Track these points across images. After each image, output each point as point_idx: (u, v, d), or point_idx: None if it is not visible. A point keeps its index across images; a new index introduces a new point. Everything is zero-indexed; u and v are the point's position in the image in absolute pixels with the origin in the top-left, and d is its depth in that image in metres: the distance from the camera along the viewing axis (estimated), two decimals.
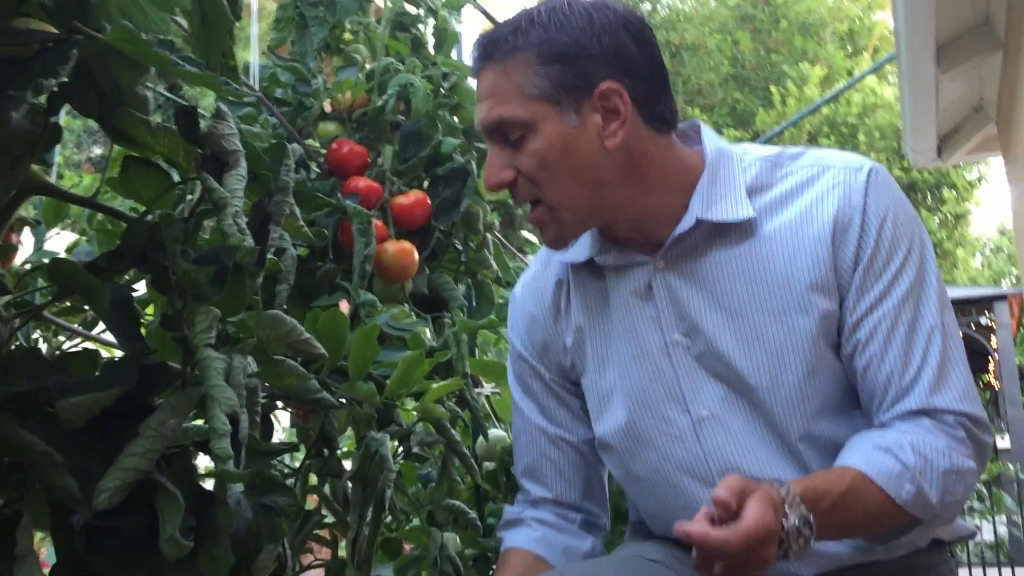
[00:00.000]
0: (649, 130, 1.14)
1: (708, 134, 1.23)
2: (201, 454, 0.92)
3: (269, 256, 0.93)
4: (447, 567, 1.59)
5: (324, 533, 1.60)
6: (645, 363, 1.20)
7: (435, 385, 1.33)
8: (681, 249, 1.17)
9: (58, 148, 1.10)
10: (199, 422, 0.93)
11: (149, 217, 0.94)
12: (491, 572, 1.93)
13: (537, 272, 1.34)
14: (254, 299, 0.97)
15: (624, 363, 1.22)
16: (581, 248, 1.25)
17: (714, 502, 0.93)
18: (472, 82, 1.97)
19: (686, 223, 1.15)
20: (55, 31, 0.82)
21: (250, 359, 0.85)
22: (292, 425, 1.64)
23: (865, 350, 1.13)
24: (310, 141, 1.87)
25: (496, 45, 1.13)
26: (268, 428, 1.27)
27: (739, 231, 1.16)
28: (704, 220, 1.15)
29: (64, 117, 0.99)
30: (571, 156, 1.11)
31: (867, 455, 1.08)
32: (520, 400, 1.35)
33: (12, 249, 1.06)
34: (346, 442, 1.89)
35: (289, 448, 1.02)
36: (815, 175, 1.17)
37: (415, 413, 1.58)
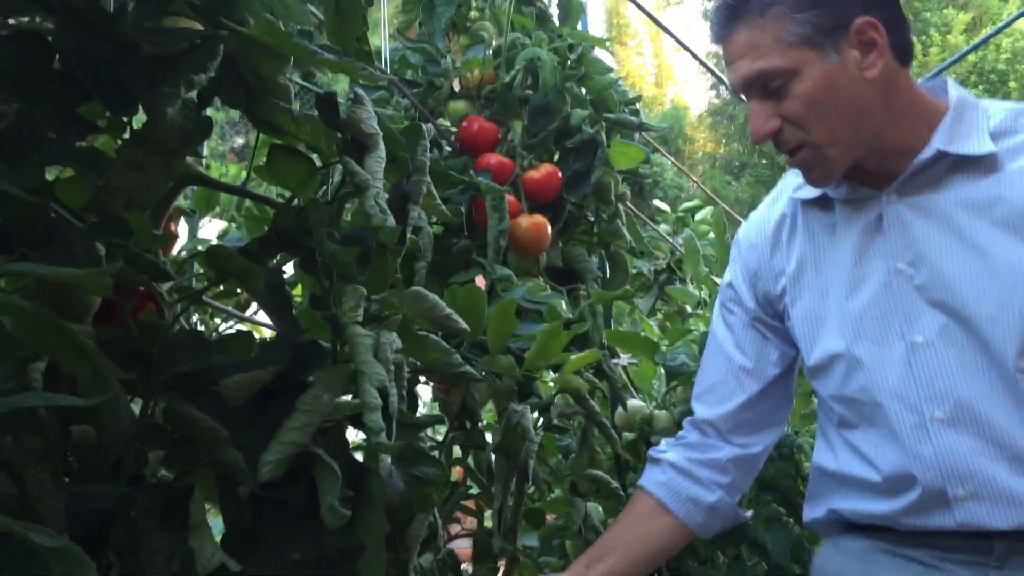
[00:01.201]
0: (895, 60, 1.20)
1: (954, 86, 1.28)
2: (351, 428, 0.96)
3: (408, 235, 0.95)
4: (591, 536, 1.60)
5: (470, 504, 1.64)
6: (864, 291, 1.25)
7: (573, 357, 1.33)
8: (918, 181, 1.22)
9: None
10: (349, 397, 0.97)
11: (295, 202, 0.98)
12: None
13: (763, 209, 1.43)
14: (395, 277, 0.99)
15: (843, 291, 1.27)
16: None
17: None
18: (599, 53, 1.97)
19: (927, 153, 1.20)
20: (202, 28, 0.86)
21: (395, 335, 0.88)
22: (434, 399, 1.68)
23: None
24: (441, 120, 1.90)
25: (746, 3, 1.19)
26: (412, 403, 1.31)
27: (978, 166, 1.20)
28: (945, 152, 1.20)
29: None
30: (837, 93, 1.18)
31: None
32: (717, 326, 1.44)
33: (172, 238, 1.12)
34: (487, 415, 1.92)
35: (436, 420, 1.05)
36: None
37: (553, 385, 1.59)
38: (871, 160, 1.24)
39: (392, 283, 0.97)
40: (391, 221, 0.82)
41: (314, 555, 0.83)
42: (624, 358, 2.25)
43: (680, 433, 1.47)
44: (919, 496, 1.20)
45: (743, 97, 1.25)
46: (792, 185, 1.37)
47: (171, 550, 0.74)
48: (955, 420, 1.17)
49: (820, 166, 1.23)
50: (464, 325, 0.95)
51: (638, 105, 2.03)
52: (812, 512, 1.37)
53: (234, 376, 0.81)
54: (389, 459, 0.94)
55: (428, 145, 0.99)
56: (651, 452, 1.48)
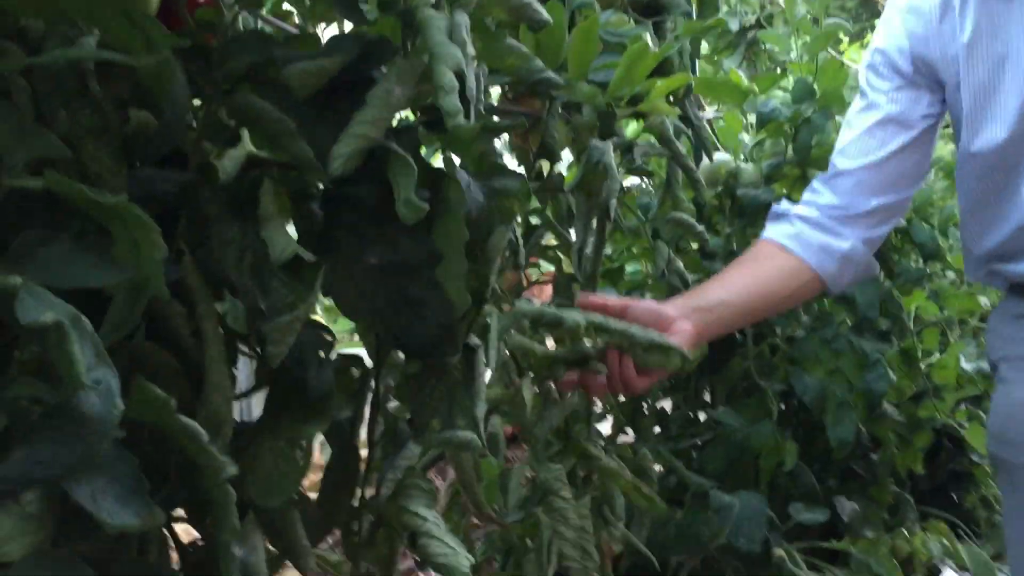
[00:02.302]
0: None
1: None
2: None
3: None
4: (675, 281, 1.56)
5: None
6: None
7: (660, 82, 1.24)
8: None
9: None
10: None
11: None
12: None
13: None
14: None
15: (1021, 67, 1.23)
16: None
17: None
18: None
19: None
20: None
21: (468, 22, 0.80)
22: (511, 148, 1.61)
23: None
24: None
25: None
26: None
27: None
28: None
29: None
30: None
31: None
32: (865, 86, 1.40)
33: None
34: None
35: (514, 125, 0.98)
36: None
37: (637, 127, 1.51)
38: None
39: None
40: None
41: (391, 260, 0.80)
42: (710, 111, 2.14)
43: (807, 192, 1.44)
44: None
45: None
46: None
47: (243, 241, 0.71)
48: None
49: None
50: (545, 15, 0.86)
51: None
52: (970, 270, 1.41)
53: (299, 64, 0.74)
54: (467, 170, 0.88)
55: None
56: (773, 209, 1.44)
